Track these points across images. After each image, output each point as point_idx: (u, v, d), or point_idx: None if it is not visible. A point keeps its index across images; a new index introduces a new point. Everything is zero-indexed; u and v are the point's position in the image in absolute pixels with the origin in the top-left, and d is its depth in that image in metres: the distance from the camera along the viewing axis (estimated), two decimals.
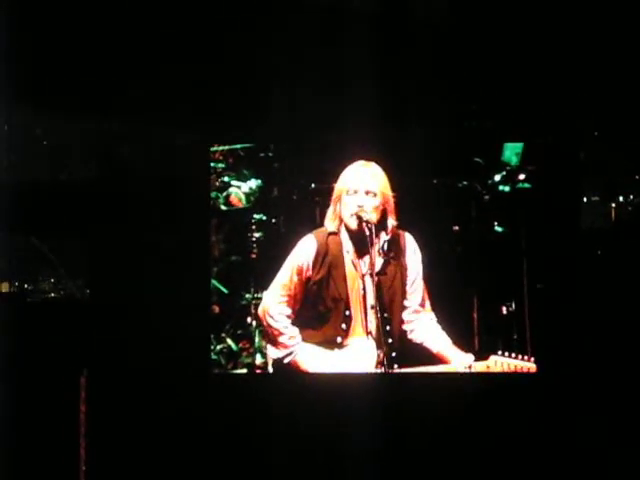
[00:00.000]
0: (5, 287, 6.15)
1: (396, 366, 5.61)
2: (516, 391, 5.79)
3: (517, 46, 6.09)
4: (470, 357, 5.68)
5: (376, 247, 5.56)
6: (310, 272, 5.64)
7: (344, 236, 5.62)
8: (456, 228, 5.98)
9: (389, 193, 5.60)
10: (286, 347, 5.65)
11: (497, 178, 5.99)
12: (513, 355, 5.69)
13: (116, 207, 6.07)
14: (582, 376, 5.82)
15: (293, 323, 5.66)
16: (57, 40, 5.99)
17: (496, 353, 5.72)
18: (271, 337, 5.69)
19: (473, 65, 6.11)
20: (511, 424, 5.80)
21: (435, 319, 5.72)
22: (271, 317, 5.66)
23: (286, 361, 5.66)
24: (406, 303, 5.69)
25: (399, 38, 6.05)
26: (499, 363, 5.69)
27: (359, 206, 5.51)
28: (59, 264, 6.18)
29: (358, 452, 5.79)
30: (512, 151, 6.01)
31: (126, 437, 5.92)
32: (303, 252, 5.67)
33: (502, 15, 6.03)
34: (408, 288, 5.69)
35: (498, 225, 6.00)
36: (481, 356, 5.73)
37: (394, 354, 5.59)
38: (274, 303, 5.67)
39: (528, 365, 5.71)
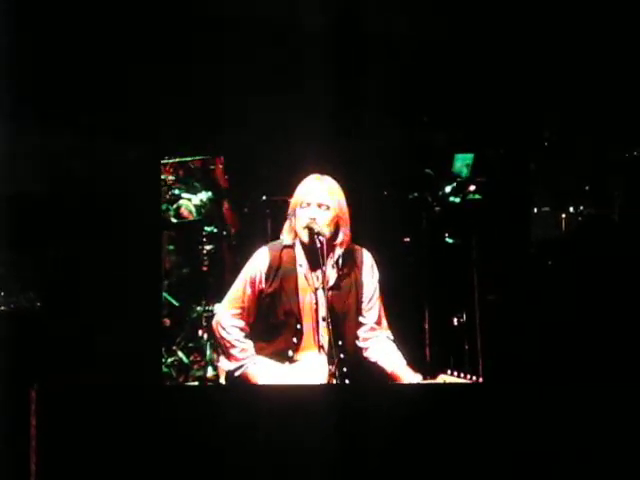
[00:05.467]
0: None
1: (347, 381, 5.58)
2: (463, 404, 5.81)
3: (467, 58, 6.11)
4: (418, 377, 5.68)
5: (329, 261, 5.55)
6: (263, 284, 5.62)
7: (298, 249, 5.60)
8: (407, 240, 5.99)
9: (343, 206, 5.57)
10: (237, 360, 5.61)
11: (447, 189, 6.02)
12: (462, 375, 5.70)
13: (67, 220, 6.04)
14: (531, 386, 5.85)
15: (245, 336, 5.62)
16: (8, 53, 5.94)
17: (445, 372, 5.72)
18: (223, 349, 5.64)
19: (424, 77, 6.13)
20: (459, 434, 5.82)
21: (391, 337, 5.69)
22: (223, 329, 5.62)
23: (237, 374, 5.61)
24: (362, 320, 5.66)
25: (350, 51, 6.06)
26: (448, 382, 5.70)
27: (311, 219, 5.49)
28: (9, 277, 6.14)
29: (311, 463, 5.79)
30: (462, 162, 6.03)
31: (77, 451, 5.87)
32: (256, 264, 5.64)
33: (451, 27, 6.05)
34: (364, 305, 5.66)
35: (449, 236, 6.02)
36: (431, 374, 5.74)
37: (345, 369, 5.56)
38: (227, 315, 5.63)
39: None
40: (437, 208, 6.01)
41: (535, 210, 6.24)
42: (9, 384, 5.88)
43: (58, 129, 6.08)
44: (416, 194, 6.02)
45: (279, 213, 5.74)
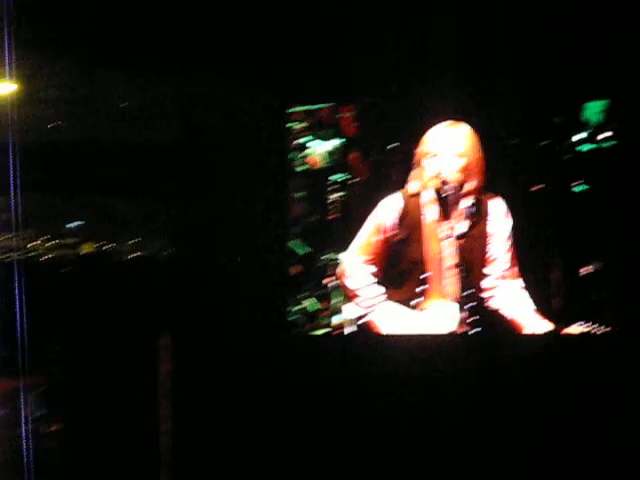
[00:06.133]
0: (89, 247, 6.20)
1: (479, 329, 5.51)
2: (598, 355, 5.71)
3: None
4: (550, 326, 5.58)
5: (459, 210, 5.49)
6: (390, 233, 5.58)
7: (426, 198, 5.55)
8: (537, 189, 5.90)
9: (476, 153, 5.48)
10: (363, 307, 5.60)
11: (578, 137, 5.91)
12: (595, 325, 5.59)
13: (196, 169, 6.09)
14: None
15: (371, 283, 5.60)
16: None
17: (577, 322, 5.62)
18: (349, 297, 5.64)
19: (555, 23, 6.01)
20: (593, 386, 5.74)
21: (520, 285, 5.60)
22: (349, 277, 5.61)
23: (363, 321, 5.61)
24: (492, 268, 5.58)
25: None
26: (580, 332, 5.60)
27: (441, 168, 5.43)
28: (141, 225, 6.22)
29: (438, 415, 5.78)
30: (594, 109, 5.92)
31: (207, 400, 5.95)
32: (384, 212, 5.60)
33: None
34: (495, 254, 5.58)
35: (580, 184, 5.92)
36: (563, 324, 5.65)
37: (476, 317, 5.50)
38: (353, 263, 5.62)
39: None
40: (567, 156, 5.90)
41: None
42: (140, 331, 5.97)
43: (185, 77, 6.12)
44: (546, 142, 5.91)
45: (407, 161, 5.67)
